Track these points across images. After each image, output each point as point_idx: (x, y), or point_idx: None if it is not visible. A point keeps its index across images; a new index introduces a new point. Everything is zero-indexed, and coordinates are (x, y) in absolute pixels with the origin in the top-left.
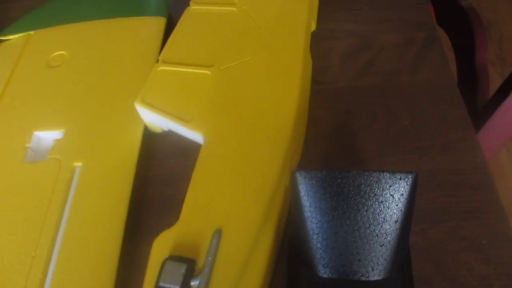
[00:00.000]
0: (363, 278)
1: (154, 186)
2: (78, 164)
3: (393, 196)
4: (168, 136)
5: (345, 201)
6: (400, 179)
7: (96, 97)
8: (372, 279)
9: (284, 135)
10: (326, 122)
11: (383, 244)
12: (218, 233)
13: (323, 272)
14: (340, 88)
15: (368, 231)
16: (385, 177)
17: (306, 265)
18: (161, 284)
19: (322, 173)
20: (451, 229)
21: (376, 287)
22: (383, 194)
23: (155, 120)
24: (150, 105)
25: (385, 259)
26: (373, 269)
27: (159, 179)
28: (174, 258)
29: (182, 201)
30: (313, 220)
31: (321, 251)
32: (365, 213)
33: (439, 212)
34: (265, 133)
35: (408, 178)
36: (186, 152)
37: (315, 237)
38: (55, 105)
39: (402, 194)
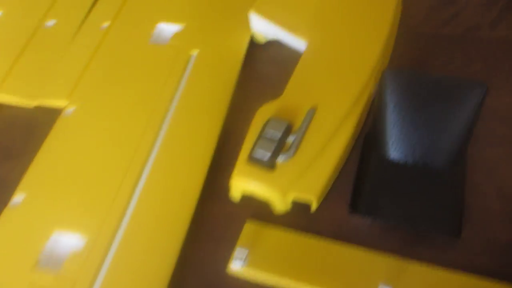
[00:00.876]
0: (425, 164)
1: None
2: (194, 52)
3: (465, 101)
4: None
5: (424, 100)
6: (474, 87)
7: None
8: (436, 168)
9: (378, 46)
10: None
11: (449, 140)
12: (313, 109)
13: (393, 155)
14: (422, 33)
15: (439, 127)
16: (462, 83)
17: (378, 151)
18: (264, 134)
19: (408, 73)
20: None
21: (433, 174)
22: (458, 97)
23: (266, 28)
24: (264, 14)
25: (448, 153)
26: (435, 159)
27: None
28: (276, 118)
29: None
30: (393, 112)
31: (395, 138)
32: (440, 111)
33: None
34: (362, 42)
35: (481, 88)
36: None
37: (391, 126)
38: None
39: (473, 100)
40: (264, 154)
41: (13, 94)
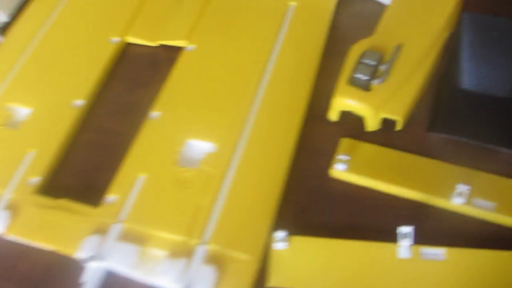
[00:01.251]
0: (492, 93)
1: None
2: (292, 3)
3: None
4: None
5: (495, 39)
6: None
7: None
8: (502, 96)
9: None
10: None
11: None
12: (400, 45)
13: (466, 85)
14: None
15: (506, 62)
16: None
17: (453, 82)
18: (362, 61)
19: (483, 15)
20: None
21: (498, 101)
22: None
23: None
24: None
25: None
26: (501, 88)
27: None
28: (371, 50)
29: None
30: (468, 49)
31: (468, 71)
32: (508, 49)
33: None
34: None
35: None
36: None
37: (465, 60)
38: None
39: None
40: (363, 77)
41: (139, 37)
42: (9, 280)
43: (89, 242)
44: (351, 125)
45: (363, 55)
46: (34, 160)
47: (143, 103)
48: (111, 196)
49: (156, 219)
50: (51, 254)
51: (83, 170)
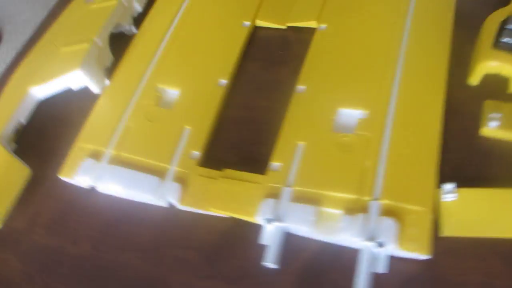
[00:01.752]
0: None
1: None
2: None
3: None
4: None
5: None
6: None
7: None
8: None
9: None
10: None
11: None
12: None
13: None
14: None
15: None
16: None
17: None
18: (506, 26)
19: None
20: None
21: None
22: None
23: None
24: None
25: None
26: None
27: None
28: None
29: None
30: None
31: None
32: None
33: None
34: None
35: None
36: None
37: None
38: None
39: None
40: (510, 41)
41: (268, 20)
42: (188, 248)
43: (266, 205)
44: (491, 88)
45: (506, 21)
46: (191, 136)
47: (281, 80)
48: (275, 163)
49: (324, 181)
50: (224, 220)
51: (236, 144)
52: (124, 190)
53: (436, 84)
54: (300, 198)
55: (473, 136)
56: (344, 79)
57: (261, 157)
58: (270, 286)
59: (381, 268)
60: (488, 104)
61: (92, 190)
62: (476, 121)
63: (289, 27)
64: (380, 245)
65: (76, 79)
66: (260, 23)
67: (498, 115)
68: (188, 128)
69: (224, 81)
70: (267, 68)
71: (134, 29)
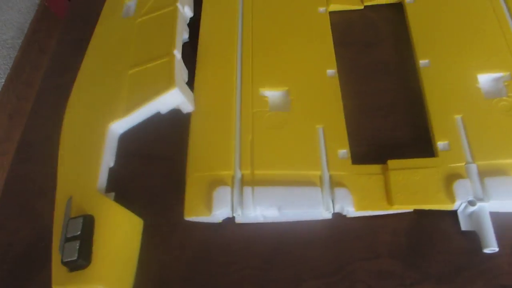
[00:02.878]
0: None
1: None
2: None
3: None
4: None
5: None
6: None
7: None
8: None
9: None
10: None
11: None
12: None
13: None
14: None
15: None
16: None
17: None
18: None
19: None
20: None
21: None
22: None
23: None
24: None
25: None
26: None
27: None
28: None
29: None
30: None
31: None
32: None
33: None
34: None
35: None
36: None
37: None
38: None
39: None
40: None
41: (343, 3)
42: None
43: (460, 186)
44: None
45: None
46: (328, 135)
47: (385, 59)
48: (442, 143)
49: (503, 149)
50: (404, 216)
51: (375, 134)
52: (279, 212)
53: None
54: (487, 173)
55: None
56: (472, 44)
57: (409, 141)
58: (494, 272)
59: None
60: None
61: (227, 224)
62: None
63: (366, 6)
64: None
65: (169, 100)
66: (335, 7)
67: None
68: (320, 127)
69: (332, 71)
70: (364, 51)
71: (187, 35)
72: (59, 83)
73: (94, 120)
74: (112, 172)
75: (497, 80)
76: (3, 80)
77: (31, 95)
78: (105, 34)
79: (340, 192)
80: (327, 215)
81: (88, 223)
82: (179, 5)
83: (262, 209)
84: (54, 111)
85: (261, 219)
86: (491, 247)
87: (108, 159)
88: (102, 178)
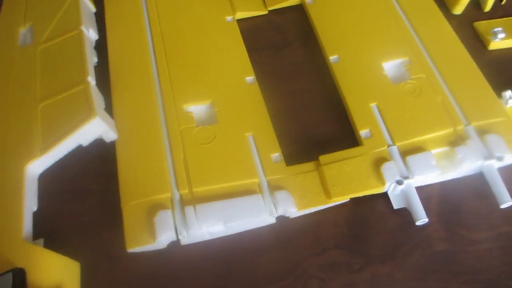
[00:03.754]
0: None
1: None
2: None
3: None
4: None
5: None
6: None
7: None
8: None
9: None
10: None
11: None
12: None
13: None
14: None
15: None
16: None
17: None
18: None
19: None
20: None
21: None
22: None
23: None
24: None
25: None
26: None
27: None
28: None
29: None
30: None
31: None
32: None
33: None
34: None
35: None
36: None
37: None
38: None
39: None
40: None
41: (248, 10)
42: (328, 249)
43: (387, 169)
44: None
45: None
46: (259, 141)
47: (298, 60)
48: (364, 131)
49: (421, 127)
50: (342, 207)
51: (302, 132)
52: (225, 226)
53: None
54: (407, 152)
55: (484, 53)
56: (372, 36)
57: (334, 134)
58: (427, 241)
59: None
60: (479, 24)
61: (172, 248)
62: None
63: (270, 11)
64: (499, 159)
65: (90, 131)
66: (241, 14)
67: (499, 29)
68: (249, 134)
69: (251, 78)
70: (276, 54)
71: (96, 59)
72: None
73: (7, 163)
74: (36, 216)
75: (399, 65)
76: None
77: None
78: (3, 66)
79: (280, 195)
80: (271, 220)
81: (19, 278)
82: (83, 28)
83: (208, 226)
84: None
85: (207, 237)
86: (422, 219)
87: (30, 203)
88: (27, 224)
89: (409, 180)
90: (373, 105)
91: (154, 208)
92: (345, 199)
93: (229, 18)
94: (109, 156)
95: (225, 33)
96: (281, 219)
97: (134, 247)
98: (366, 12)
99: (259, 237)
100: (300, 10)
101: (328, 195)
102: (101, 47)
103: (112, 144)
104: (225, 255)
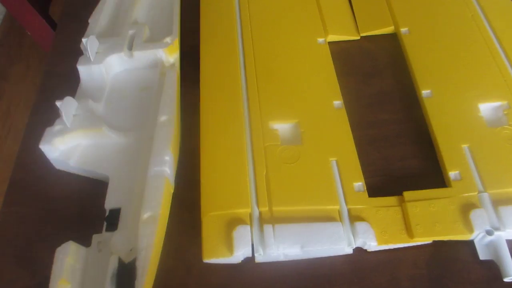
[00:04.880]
0: None
1: None
2: None
3: None
4: None
5: None
6: None
7: None
8: None
9: None
10: None
11: None
12: None
13: None
14: None
15: None
16: None
17: None
18: None
19: None
20: None
21: None
22: None
23: None
24: None
25: None
26: None
27: None
28: None
29: None
30: None
31: None
32: None
33: None
34: None
35: None
36: None
37: None
38: None
39: None
40: None
41: (340, 33)
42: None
43: (477, 216)
44: None
45: None
46: (342, 168)
47: (387, 90)
48: (453, 172)
49: None
50: (423, 248)
51: (384, 165)
52: (302, 249)
53: None
54: (500, 202)
55: None
56: (469, 74)
57: (419, 171)
58: None
59: None
60: None
61: (245, 264)
62: None
63: (362, 37)
64: None
65: None
66: (333, 37)
67: None
68: (333, 159)
69: (339, 102)
70: (365, 81)
71: None
72: (48, 117)
73: None
74: None
75: (497, 109)
76: None
77: None
78: None
79: (361, 226)
80: (348, 250)
81: None
82: None
83: (285, 247)
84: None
85: (281, 258)
86: (511, 276)
87: None
88: None
89: (500, 232)
90: (465, 146)
91: (233, 222)
92: (428, 240)
93: (320, 40)
94: (193, 165)
95: (316, 55)
96: (358, 250)
97: (211, 258)
98: (464, 48)
99: (333, 266)
100: (393, 39)
101: (411, 234)
102: (193, 53)
103: (197, 153)
104: (297, 279)
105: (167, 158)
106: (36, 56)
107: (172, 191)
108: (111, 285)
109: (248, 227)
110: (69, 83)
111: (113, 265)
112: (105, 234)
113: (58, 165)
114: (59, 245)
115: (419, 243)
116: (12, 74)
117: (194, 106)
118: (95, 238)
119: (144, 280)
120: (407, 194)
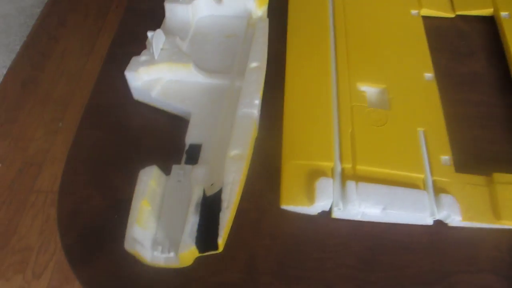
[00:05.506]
0: None
1: None
2: None
3: None
4: None
5: None
6: None
7: None
8: None
9: None
10: None
11: None
12: None
13: None
14: None
15: None
16: None
17: None
18: None
19: None
20: None
21: None
22: None
23: None
24: None
25: None
26: None
27: None
28: None
29: None
30: None
31: None
32: None
33: None
34: None
35: None
36: None
37: None
38: None
39: None
40: None
41: (435, 8)
42: (481, 271)
43: None
44: None
45: None
46: (430, 139)
47: (479, 71)
48: None
49: None
50: (508, 232)
51: (474, 144)
52: (382, 211)
53: None
54: None
55: None
56: None
57: (507, 155)
58: None
59: None
60: None
61: (320, 217)
62: None
63: (457, 15)
64: None
65: None
66: (427, 12)
67: None
68: (421, 129)
69: (430, 75)
70: (458, 60)
71: None
72: (127, 51)
73: None
74: None
75: None
76: (18, 47)
77: (46, 65)
78: None
79: (446, 199)
80: (429, 221)
81: None
82: None
83: (366, 206)
84: (122, 78)
85: (358, 217)
86: None
87: None
88: None
89: None
90: None
91: (315, 173)
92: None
93: (414, 12)
94: (276, 114)
95: (408, 26)
96: (438, 223)
97: (289, 205)
98: None
99: (411, 235)
100: (489, 22)
101: (498, 216)
102: (281, 11)
103: (280, 104)
104: (372, 241)
105: (256, 102)
106: (94, 6)
107: (256, 135)
108: (195, 214)
109: (331, 180)
110: (151, 21)
111: (197, 194)
112: (185, 166)
113: (137, 95)
114: (130, 171)
115: (503, 226)
116: (70, 21)
117: (280, 58)
118: (175, 168)
119: (229, 213)
120: (497, 176)
